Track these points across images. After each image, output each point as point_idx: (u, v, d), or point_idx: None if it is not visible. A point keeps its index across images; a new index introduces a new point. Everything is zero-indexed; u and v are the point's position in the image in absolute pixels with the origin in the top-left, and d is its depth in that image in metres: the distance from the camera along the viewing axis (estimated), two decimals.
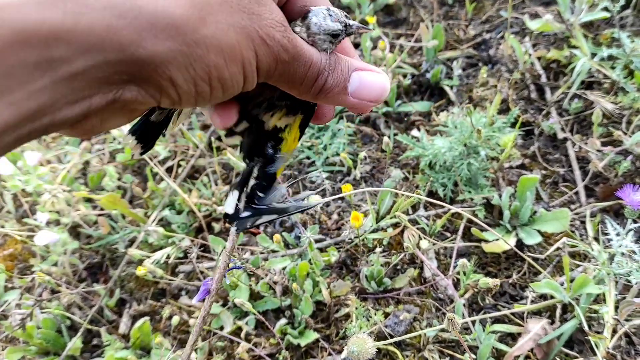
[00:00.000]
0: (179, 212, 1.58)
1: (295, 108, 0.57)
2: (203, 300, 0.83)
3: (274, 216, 0.62)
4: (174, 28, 0.40)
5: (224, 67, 0.43)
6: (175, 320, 1.35)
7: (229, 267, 0.78)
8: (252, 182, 0.59)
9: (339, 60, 0.52)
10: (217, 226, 1.53)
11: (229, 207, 0.61)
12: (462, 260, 1.06)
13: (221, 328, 1.34)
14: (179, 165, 1.70)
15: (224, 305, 1.37)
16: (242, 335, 1.31)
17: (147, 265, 1.34)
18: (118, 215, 1.58)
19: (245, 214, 0.60)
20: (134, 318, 1.43)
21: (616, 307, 1.08)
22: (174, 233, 1.50)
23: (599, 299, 1.12)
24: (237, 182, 0.61)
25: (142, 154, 0.59)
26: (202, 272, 1.46)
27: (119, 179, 1.69)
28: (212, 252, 1.48)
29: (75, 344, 1.38)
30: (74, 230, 1.61)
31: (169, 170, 1.69)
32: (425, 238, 1.26)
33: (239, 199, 0.60)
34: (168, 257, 1.45)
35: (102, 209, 1.61)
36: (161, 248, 1.49)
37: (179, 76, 0.42)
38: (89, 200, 1.65)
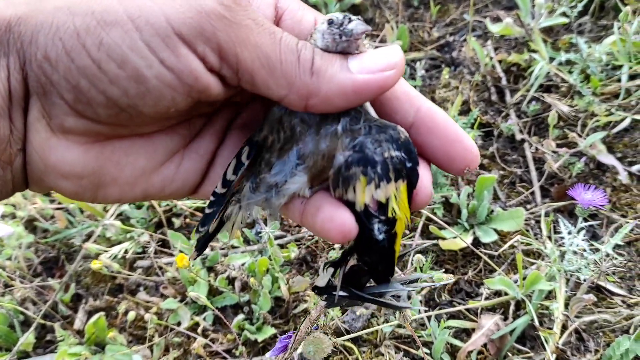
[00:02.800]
0: (139, 207, 1.56)
1: (386, 169, 0.45)
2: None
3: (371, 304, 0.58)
4: None
5: None
6: (132, 315, 1.34)
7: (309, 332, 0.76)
8: (352, 262, 0.51)
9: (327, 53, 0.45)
10: (177, 221, 1.52)
11: (321, 281, 0.53)
12: (418, 256, 1.07)
13: (178, 324, 1.33)
14: None
15: (181, 300, 1.36)
16: (200, 330, 1.29)
17: (104, 259, 1.32)
18: (76, 209, 1.55)
19: (341, 294, 0.51)
20: (90, 314, 1.41)
21: (567, 304, 1.10)
22: (133, 228, 1.48)
23: (551, 296, 1.14)
24: (332, 260, 0.52)
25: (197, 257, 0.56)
26: (160, 268, 1.44)
27: None
28: (172, 247, 1.46)
29: (27, 339, 1.35)
30: (30, 224, 1.58)
31: None
32: None
33: (333, 276, 0.52)
34: (126, 252, 1.43)
35: (59, 203, 1.58)
36: (119, 243, 1.47)
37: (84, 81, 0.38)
38: (46, 194, 1.62)
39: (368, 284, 0.53)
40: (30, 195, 1.57)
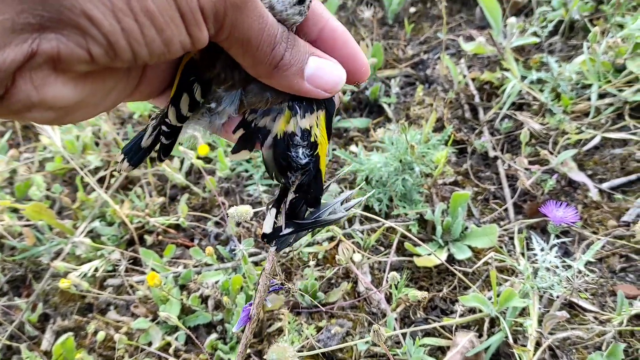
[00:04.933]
0: (110, 224, 1.53)
1: (306, 107, 0.54)
2: (243, 329, 0.78)
3: (316, 229, 0.59)
4: None
5: None
6: (101, 336, 1.30)
7: (269, 289, 0.73)
8: (291, 196, 0.56)
9: (298, 41, 0.51)
10: (149, 239, 1.49)
11: (267, 226, 0.57)
12: (393, 273, 1.07)
13: (149, 344, 1.30)
14: (112, 176, 1.65)
15: (153, 320, 1.33)
16: (171, 351, 1.27)
17: (72, 278, 1.29)
18: (45, 226, 1.51)
19: (287, 231, 0.56)
20: (58, 334, 1.37)
21: (540, 321, 1.11)
22: (103, 245, 1.45)
23: (525, 313, 1.15)
24: (273, 200, 0.58)
25: (129, 170, 0.57)
26: (131, 286, 1.41)
27: (48, 189, 1.63)
28: (144, 265, 1.44)
29: None
30: None
31: (101, 180, 1.64)
32: (359, 252, 1.27)
33: (276, 217, 0.57)
34: (96, 270, 1.40)
35: (27, 220, 1.54)
36: (89, 261, 1.44)
37: (95, 10, 0.37)
38: (14, 210, 1.58)
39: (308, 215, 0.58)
40: None
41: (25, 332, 1.38)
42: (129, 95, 0.52)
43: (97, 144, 1.71)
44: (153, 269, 1.35)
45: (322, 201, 0.58)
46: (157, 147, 0.55)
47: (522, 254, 1.28)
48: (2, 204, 1.46)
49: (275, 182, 0.59)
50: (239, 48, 0.47)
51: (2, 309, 1.40)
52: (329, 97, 0.53)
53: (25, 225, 1.53)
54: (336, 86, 0.52)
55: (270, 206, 0.57)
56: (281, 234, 0.57)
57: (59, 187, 1.63)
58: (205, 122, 0.55)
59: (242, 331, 0.73)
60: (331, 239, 1.40)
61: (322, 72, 0.52)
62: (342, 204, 0.60)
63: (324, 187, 0.57)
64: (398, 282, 1.14)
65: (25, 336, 1.37)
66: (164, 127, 0.53)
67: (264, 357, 1.24)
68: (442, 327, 1.21)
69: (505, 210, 1.42)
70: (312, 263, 1.31)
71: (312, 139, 0.54)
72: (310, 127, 0.54)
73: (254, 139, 0.54)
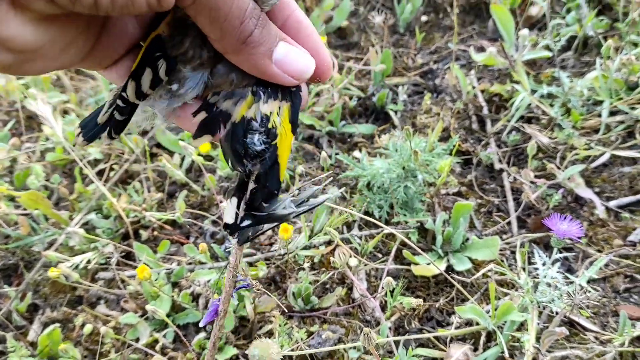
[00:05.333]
0: (106, 217, 1.51)
1: (270, 93, 0.53)
2: (212, 322, 0.76)
3: (275, 223, 0.57)
4: None
5: None
6: (88, 329, 1.28)
7: (237, 287, 0.71)
8: (251, 186, 0.54)
9: (269, 23, 0.49)
10: (144, 234, 1.47)
11: (228, 216, 0.55)
12: (388, 279, 1.04)
13: (137, 340, 1.27)
14: (111, 169, 1.63)
15: (142, 315, 1.30)
16: (158, 347, 1.24)
17: (63, 268, 1.26)
18: (40, 216, 1.49)
19: (246, 222, 0.55)
20: (45, 325, 1.34)
21: (538, 338, 1.07)
22: (97, 237, 1.42)
23: (523, 328, 1.11)
24: (233, 188, 0.56)
25: (83, 144, 0.55)
26: (123, 281, 1.39)
27: (47, 180, 1.61)
28: (137, 260, 1.41)
29: None
30: None
31: (101, 173, 1.63)
32: (355, 257, 1.23)
33: (238, 207, 0.55)
34: (89, 262, 1.38)
35: (24, 209, 1.53)
36: (83, 253, 1.41)
37: None
38: (12, 199, 1.56)
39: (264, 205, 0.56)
40: None
41: (12, 322, 1.35)
42: (85, 58, 0.50)
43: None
44: (145, 264, 1.32)
45: (280, 196, 0.56)
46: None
47: (524, 269, 1.24)
48: (0, 190, 1.44)
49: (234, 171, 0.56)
50: (207, 17, 0.45)
51: None
52: (295, 84, 0.52)
53: (21, 214, 1.51)
54: (303, 74, 0.51)
55: (229, 195, 0.56)
56: (242, 225, 0.55)
57: (58, 177, 1.61)
58: (163, 105, 0.53)
59: (221, 328, 0.71)
60: (328, 243, 1.37)
61: (291, 59, 0.50)
62: (302, 202, 0.58)
63: (281, 181, 0.55)
64: (394, 289, 1.11)
65: (13, 325, 1.35)
66: (119, 102, 0.51)
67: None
68: (437, 338, 1.17)
69: (509, 223, 1.38)
70: (307, 266, 1.28)
71: (271, 126, 0.52)
72: (270, 114, 0.52)
73: (216, 123, 0.52)
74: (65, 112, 1.78)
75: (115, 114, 0.52)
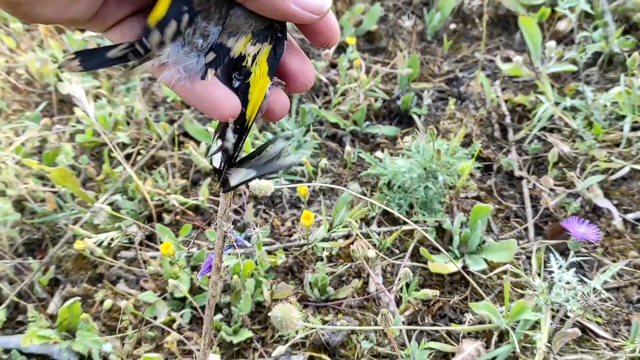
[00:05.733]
0: (131, 199, 1.54)
1: (264, 35, 0.54)
2: (207, 276, 0.75)
3: (253, 173, 0.58)
4: None
5: None
6: (108, 304, 1.31)
7: (231, 243, 0.71)
8: (230, 126, 0.55)
9: None
10: (167, 217, 1.50)
11: (216, 159, 0.56)
12: (405, 269, 1.06)
13: (155, 318, 1.30)
14: (138, 154, 1.67)
15: (161, 295, 1.33)
16: (175, 327, 1.27)
17: (88, 243, 1.30)
18: (67, 193, 1.54)
19: (251, 175, 0.57)
20: (66, 299, 1.38)
21: (550, 340, 1.08)
22: (122, 217, 1.46)
23: (536, 328, 1.12)
24: (218, 129, 0.57)
25: (76, 70, 0.53)
26: (144, 261, 1.42)
27: (75, 160, 1.65)
28: (158, 242, 1.44)
29: None
30: (19, 204, 1.56)
31: (128, 157, 1.67)
32: (373, 249, 1.26)
33: (222, 152, 0.56)
34: (112, 240, 1.41)
35: (52, 186, 1.57)
36: (106, 232, 1.45)
37: None
38: (40, 177, 1.61)
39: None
40: (23, 175, 1.56)
41: (34, 293, 1.39)
42: (94, 16, 0.51)
43: (128, 123, 1.74)
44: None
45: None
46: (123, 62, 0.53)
47: (539, 274, 1.25)
48: (30, 164, 1.48)
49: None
50: None
51: (17, 266, 1.42)
52: (317, 19, 0.52)
53: (48, 191, 1.55)
54: (323, 8, 0.52)
55: (217, 137, 0.56)
56: (228, 172, 0.57)
57: (86, 158, 1.65)
58: (191, 62, 0.54)
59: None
60: (347, 236, 1.39)
61: None
62: (271, 159, 0.59)
63: (248, 119, 0.55)
64: (409, 284, 1.13)
65: (35, 297, 1.39)
66: (138, 47, 0.52)
67: (267, 343, 1.24)
68: (449, 334, 1.19)
69: (526, 229, 1.40)
70: (325, 255, 1.31)
71: (244, 64, 0.53)
72: (248, 55, 0.54)
73: (219, 59, 0.54)
74: (97, 97, 1.83)
75: (130, 56, 0.52)
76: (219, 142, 0.56)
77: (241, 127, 0.55)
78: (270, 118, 0.58)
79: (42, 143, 1.74)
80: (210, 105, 0.53)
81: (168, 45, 0.53)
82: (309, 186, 1.46)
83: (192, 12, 0.52)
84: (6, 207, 1.47)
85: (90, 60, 0.52)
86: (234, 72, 0.54)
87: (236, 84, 0.54)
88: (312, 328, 1.17)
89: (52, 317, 1.35)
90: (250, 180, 0.58)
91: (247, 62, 0.54)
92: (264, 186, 1.03)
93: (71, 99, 1.83)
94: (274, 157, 0.58)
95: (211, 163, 0.58)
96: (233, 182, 0.58)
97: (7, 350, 1.29)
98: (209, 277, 0.71)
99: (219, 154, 0.57)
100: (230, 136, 0.55)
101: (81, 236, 1.37)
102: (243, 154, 0.60)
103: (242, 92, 0.54)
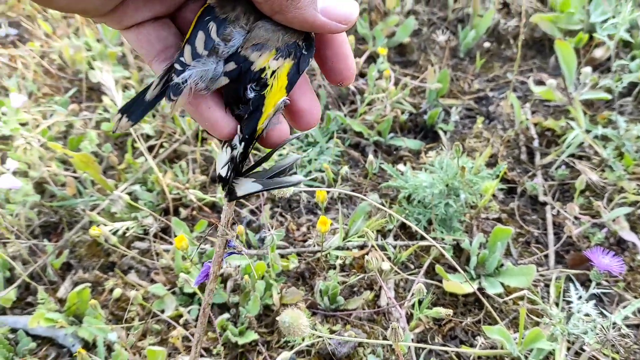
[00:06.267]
0: (150, 190, 1.55)
1: (288, 51, 0.55)
2: (203, 285, 0.74)
3: (258, 187, 0.57)
4: None
5: None
6: (117, 293, 1.30)
7: (229, 252, 0.70)
8: (238, 136, 0.55)
9: None
10: (184, 212, 1.50)
11: (221, 168, 0.56)
12: (419, 285, 1.03)
13: (162, 311, 1.29)
14: (161, 146, 1.67)
15: (170, 289, 1.32)
16: (181, 322, 1.25)
17: (103, 230, 1.30)
18: (88, 180, 1.54)
19: (255, 189, 0.57)
20: (76, 284, 1.38)
21: None
22: (139, 207, 1.46)
23: (551, 359, 1.09)
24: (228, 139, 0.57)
25: (128, 126, 0.55)
26: (157, 254, 1.41)
27: (99, 147, 1.66)
28: (173, 235, 1.44)
29: (8, 294, 1.32)
30: (40, 187, 1.57)
31: (151, 149, 1.67)
32: (388, 262, 1.23)
33: (230, 160, 0.56)
34: (127, 230, 1.41)
35: (74, 172, 1.58)
36: (122, 221, 1.45)
37: None
38: (63, 162, 1.62)
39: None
40: (46, 157, 1.57)
41: (46, 276, 1.39)
42: (112, 11, 0.52)
43: (153, 116, 1.75)
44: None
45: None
46: (163, 94, 0.54)
47: (556, 304, 1.22)
48: (54, 147, 1.49)
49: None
50: None
51: (32, 247, 1.43)
52: (345, 29, 0.53)
53: (70, 176, 1.56)
54: (350, 17, 0.52)
55: (226, 145, 0.56)
56: (234, 181, 0.57)
57: (110, 147, 1.66)
58: (209, 69, 0.54)
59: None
60: (362, 247, 1.37)
61: (335, 4, 0.52)
62: (279, 172, 0.59)
63: (257, 130, 0.56)
64: (422, 300, 1.10)
65: (46, 279, 1.39)
66: (177, 66, 0.53)
67: (273, 347, 1.22)
68: (459, 357, 1.16)
69: (546, 256, 1.36)
70: (338, 263, 1.29)
71: (263, 75, 0.54)
72: (268, 68, 0.54)
73: (237, 69, 0.54)
74: (125, 87, 1.84)
75: (173, 77, 0.53)
76: (228, 150, 0.56)
77: (250, 137, 0.55)
78: (267, 144, 0.58)
79: (68, 128, 1.75)
80: (211, 125, 0.55)
81: (205, 55, 0.53)
82: (328, 192, 1.44)
83: (217, 20, 0.53)
84: (27, 187, 1.48)
85: (134, 112, 0.54)
86: (250, 83, 0.54)
87: (251, 94, 0.54)
88: (320, 337, 1.15)
89: (61, 301, 1.35)
90: (254, 193, 0.58)
91: (266, 75, 0.54)
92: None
93: (100, 87, 1.85)
94: (281, 171, 0.59)
95: (218, 177, 0.57)
96: (239, 192, 0.58)
97: (14, 330, 1.29)
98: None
99: (226, 162, 0.56)
100: (238, 144, 0.55)
101: (97, 223, 1.37)
102: (249, 164, 0.59)
103: (256, 103, 0.54)
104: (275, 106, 0.55)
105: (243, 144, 0.55)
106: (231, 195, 0.58)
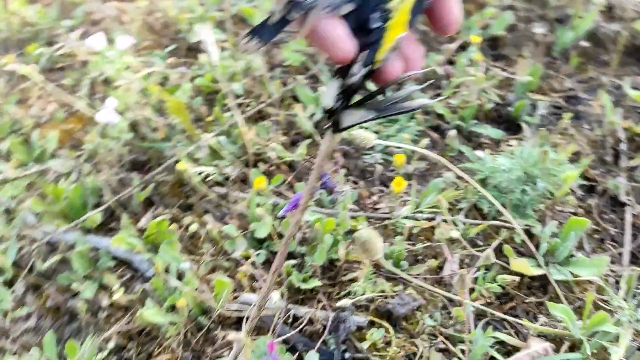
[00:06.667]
0: (234, 143, 1.62)
1: None
2: (286, 214, 0.75)
3: (372, 114, 0.55)
4: None
5: None
6: (193, 227, 1.38)
7: (321, 185, 0.68)
8: (357, 67, 0.52)
9: None
10: (262, 166, 1.56)
11: (329, 98, 0.54)
12: (487, 251, 1.04)
13: (232, 252, 1.35)
14: (248, 105, 1.75)
15: (242, 233, 1.38)
16: (249, 262, 1.31)
17: (190, 168, 1.37)
18: (178, 126, 1.63)
19: (369, 116, 0.54)
20: (155, 218, 1.46)
21: (627, 358, 1.02)
22: (221, 157, 1.53)
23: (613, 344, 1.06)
24: (336, 69, 0.54)
25: (259, 47, 0.51)
26: (235, 202, 1.48)
27: (191, 99, 1.75)
28: (250, 185, 1.50)
29: (95, 216, 1.43)
30: (133, 128, 1.67)
31: (238, 106, 1.75)
32: (457, 231, 1.24)
33: (339, 90, 0.54)
34: (208, 174, 1.49)
35: (165, 119, 1.68)
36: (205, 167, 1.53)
37: None
38: (157, 110, 1.72)
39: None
40: (142, 103, 1.67)
41: (130, 206, 1.49)
42: None
43: (244, 77, 1.83)
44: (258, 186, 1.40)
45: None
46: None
47: (625, 299, 1.19)
48: (153, 90, 1.59)
49: None
50: None
51: (121, 179, 1.53)
52: None
53: (162, 121, 1.66)
54: None
55: (336, 77, 0.54)
56: (361, 120, 0.54)
57: (200, 100, 1.75)
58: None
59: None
60: (431, 219, 1.38)
61: None
62: (397, 101, 0.56)
63: (375, 60, 0.53)
64: (491, 263, 1.10)
65: (129, 210, 1.48)
66: None
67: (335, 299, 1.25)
68: (517, 333, 1.15)
69: (620, 254, 1.33)
70: (405, 231, 1.31)
71: (389, 6, 0.51)
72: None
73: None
74: (223, 49, 1.93)
75: (290, 13, 0.50)
76: (340, 81, 0.54)
77: (368, 67, 0.53)
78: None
79: (164, 80, 1.86)
80: (332, 43, 0.50)
81: None
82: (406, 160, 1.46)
83: None
84: (122, 125, 1.58)
85: (264, 34, 0.51)
86: (375, 12, 0.52)
87: (374, 25, 0.52)
88: (382, 291, 1.17)
89: (141, 232, 1.44)
90: (367, 121, 0.56)
91: (392, 6, 0.52)
92: (366, 137, 1.05)
93: (198, 47, 1.95)
94: (400, 99, 0.56)
95: (323, 110, 0.55)
96: (346, 123, 0.56)
97: (95, 249, 1.39)
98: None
99: (333, 93, 0.55)
100: (357, 70, 0.52)
101: (182, 161, 1.45)
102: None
103: (378, 34, 0.52)
104: (395, 40, 0.53)
105: (362, 71, 0.53)
106: (337, 126, 0.56)
